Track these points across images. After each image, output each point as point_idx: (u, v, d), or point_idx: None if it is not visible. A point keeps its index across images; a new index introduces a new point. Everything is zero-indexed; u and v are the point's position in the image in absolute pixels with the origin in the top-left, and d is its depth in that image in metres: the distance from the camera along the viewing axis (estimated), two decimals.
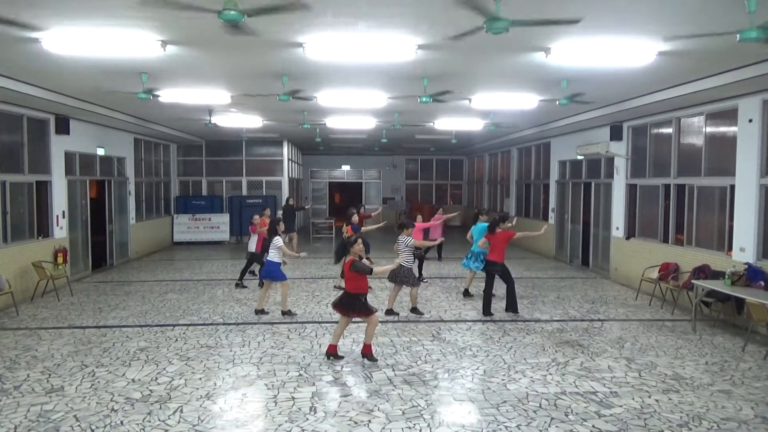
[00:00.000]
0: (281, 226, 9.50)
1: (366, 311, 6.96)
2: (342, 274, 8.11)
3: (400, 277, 9.05)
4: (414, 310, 9.37)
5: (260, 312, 9.38)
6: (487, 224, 10.08)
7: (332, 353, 7.06)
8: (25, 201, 10.88)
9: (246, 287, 11.57)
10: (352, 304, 6.94)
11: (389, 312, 9.30)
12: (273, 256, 9.19)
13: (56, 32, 6.10)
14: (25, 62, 7.49)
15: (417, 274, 9.23)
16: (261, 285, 10.48)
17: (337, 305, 7.09)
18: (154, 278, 12.97)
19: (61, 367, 6.77)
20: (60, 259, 11.46)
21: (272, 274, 9.25)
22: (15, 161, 10.62)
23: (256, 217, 12.04)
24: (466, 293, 10.84)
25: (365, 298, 7.06)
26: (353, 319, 7.30)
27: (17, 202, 10.67)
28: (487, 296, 9.44)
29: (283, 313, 9.28)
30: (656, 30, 5.97)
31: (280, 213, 15.89)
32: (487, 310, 9.35)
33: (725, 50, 6.57)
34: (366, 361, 6.94)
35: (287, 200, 16.80)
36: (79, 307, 9.94)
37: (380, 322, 7.65)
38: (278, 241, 9.16)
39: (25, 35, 6.18)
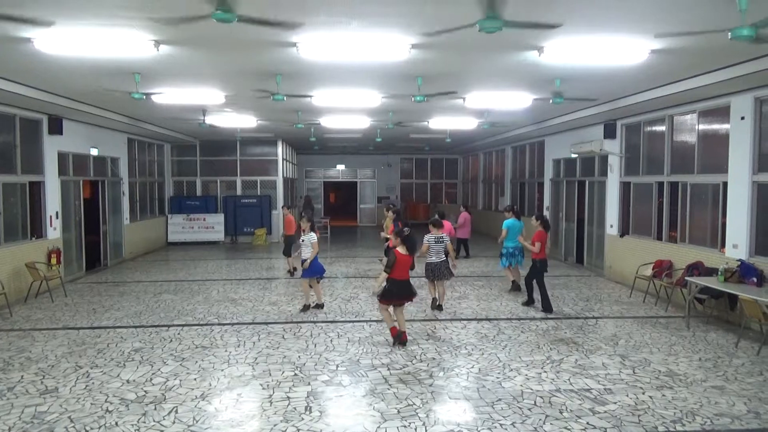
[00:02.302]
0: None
1: (411, 296, 7.71)
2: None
3: (436, 273, 9.35)
4: (439, 306, 9.55)
5: (310, 308, 9.63)
6: (517, 221, 10.91)
7: (400, 338, 7.61)
8: (18, 201, 10.83)
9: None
10: (402, 291, 7.58)
11: (439, 307, 9.56)
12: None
13: (49, 32, 6.07)
14: (17, 62, 7.45)
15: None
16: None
17: (387, 297, 7.57)
18: (148, 279, 12.93)
19: (55, 368, 6.74)
20: (53, 260, 11.40)
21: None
22: (7, 162, 10.56)
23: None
24: (517, 287, 11.01)
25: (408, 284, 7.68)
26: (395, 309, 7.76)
27: (10, 203, 10.61)
28: (545, 292, 9.67)
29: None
30: (649, 28, 5.99)
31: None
32: (549, 307, 9.59)
33: (717, 48, 6.60)
34: (400, 347, 7.51)
35: (307, 197, 16.64)
36: (73, 308, 9.90)
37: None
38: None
39: (17, 35, 6.15)
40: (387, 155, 27.94)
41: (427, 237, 9.37)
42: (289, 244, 13.36)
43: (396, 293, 7.56)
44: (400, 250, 7.55)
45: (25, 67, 7.80)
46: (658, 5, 5.28)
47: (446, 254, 9.41)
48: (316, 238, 9.59)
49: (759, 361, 7.02)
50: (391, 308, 7.73)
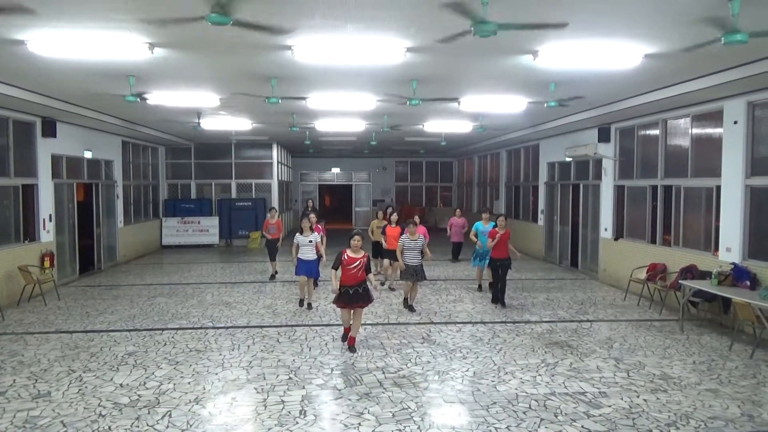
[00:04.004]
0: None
1: (368, 300, 7.57)
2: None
3: (416, 275, 9.66)
4: (411, 306, 9.85)
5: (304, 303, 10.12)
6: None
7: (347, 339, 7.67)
8: (11, 204, 10.76)
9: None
10: (342, 296, 7.49)
11: (411, 308, 9.84)
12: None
13: (42, 34, 6.05)
14: (10, 65, 7.42)
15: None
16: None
17: (360, 301, 7.51)
18: (142, 282, 12.88)
19: (48, 372, 6.70)
20: (47, 263, 11.34)
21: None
22: (1, 164, 10.50)
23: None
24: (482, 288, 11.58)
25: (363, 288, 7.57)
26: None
27: (3, 206, 10.55)
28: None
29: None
30: (642, 33, 6.02)
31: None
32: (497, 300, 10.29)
33: (710, 53, 6.64)
34: (349, 352, 7.45)
35: (307, 203, 16.77)
36: (66, 312, 9.84)
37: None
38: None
39: (11, 37, 6.12)
40: (382, 158, 27.97)
41: (402, 238, 9.84)
42: (273, 249, 13.08)
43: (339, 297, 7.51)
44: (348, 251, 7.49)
45: (18, 70, 7.76)
46: (652, 10, 5.31)
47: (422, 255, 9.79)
48: (319, 237, 10.19)
49: (752, 364, 7.05)
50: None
